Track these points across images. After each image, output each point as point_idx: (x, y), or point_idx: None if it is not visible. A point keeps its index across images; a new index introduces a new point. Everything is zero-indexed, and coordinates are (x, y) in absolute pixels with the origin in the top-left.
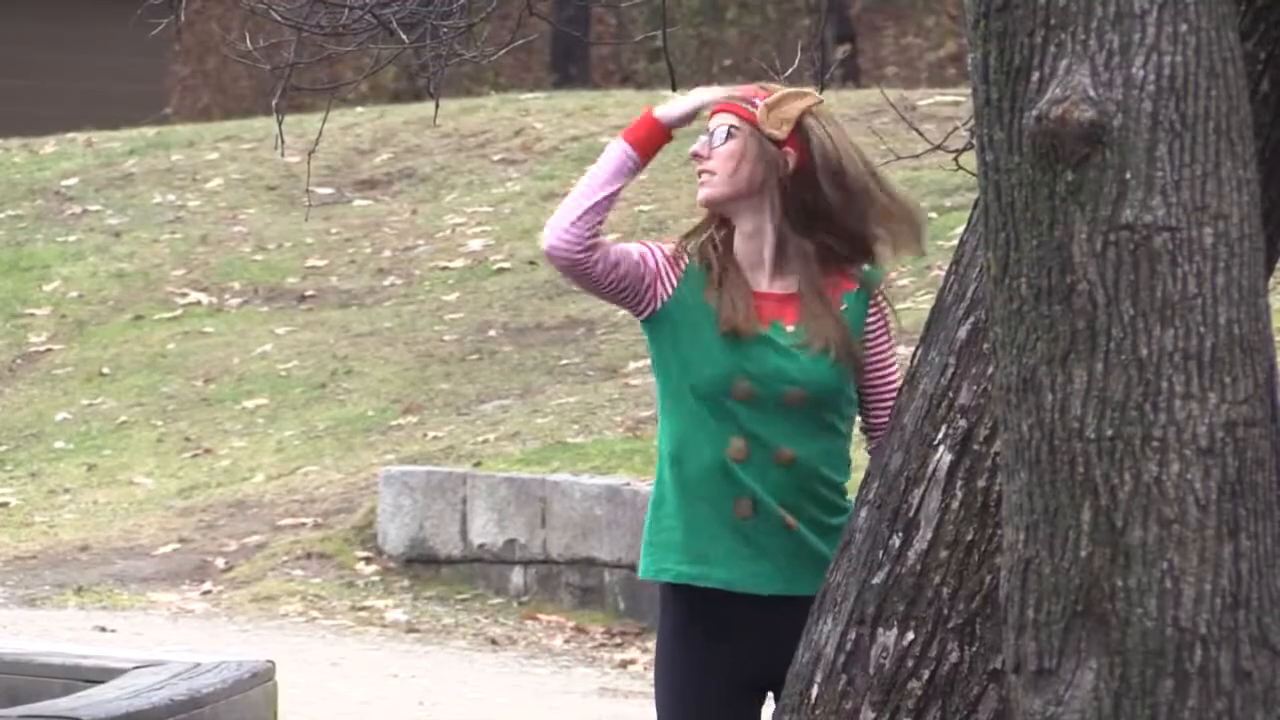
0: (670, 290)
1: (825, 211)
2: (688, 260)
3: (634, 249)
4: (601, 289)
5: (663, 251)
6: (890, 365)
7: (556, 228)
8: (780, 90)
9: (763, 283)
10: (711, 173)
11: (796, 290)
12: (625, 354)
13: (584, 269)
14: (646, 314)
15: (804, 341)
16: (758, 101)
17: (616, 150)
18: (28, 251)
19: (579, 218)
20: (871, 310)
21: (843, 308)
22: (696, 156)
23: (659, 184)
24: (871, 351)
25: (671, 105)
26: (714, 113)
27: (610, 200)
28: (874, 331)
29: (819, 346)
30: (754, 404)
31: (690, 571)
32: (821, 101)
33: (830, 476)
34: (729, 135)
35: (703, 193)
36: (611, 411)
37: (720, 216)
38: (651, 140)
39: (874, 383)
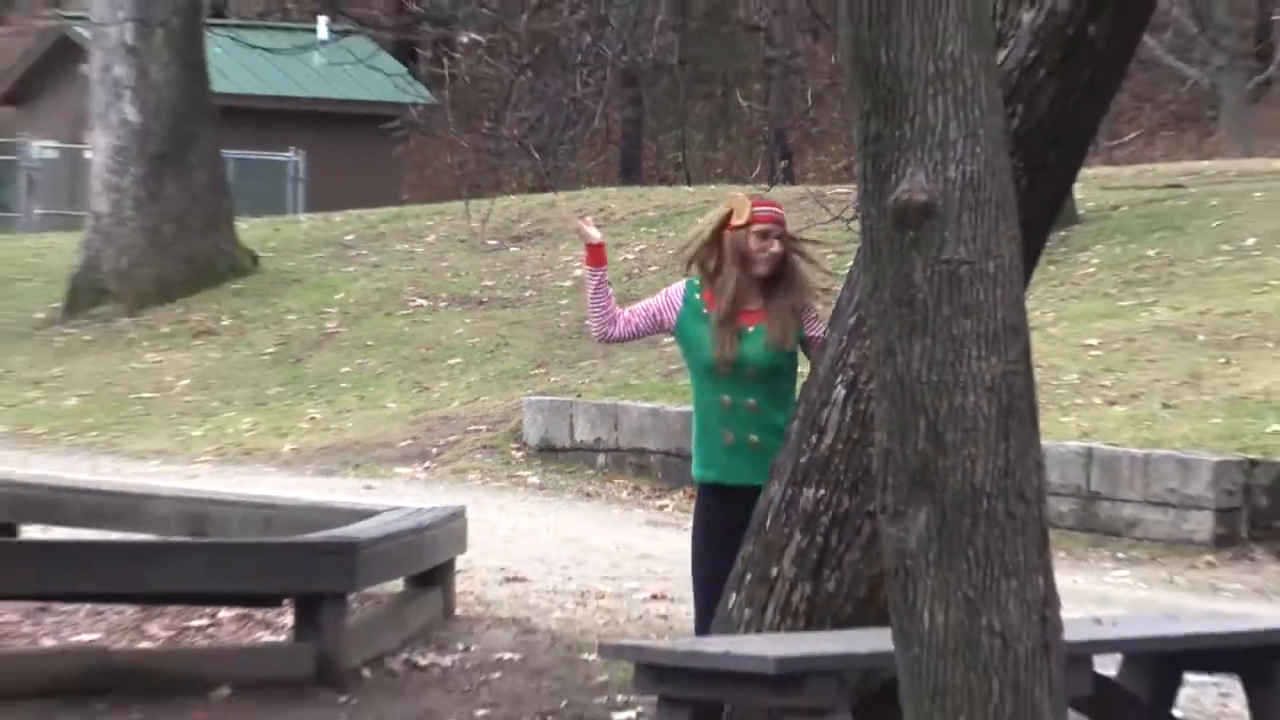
0: (677, 312)
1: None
2: (686, 284)
3: (653, 302)
4: (638, 339)
5: (670, 292)
6: (815, 334)
7: (590, 330)
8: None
9: (746, 303)
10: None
11: (761, 307)
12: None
13: (616, 340)
14: (671, 330)
15: (762, 339)
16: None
17: (586, 274)
18: (327, 278)
19: (591, 317)
20: (806, 315)
21: (789, 316)
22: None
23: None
24: (808, 330)
25: (588, 235)
26: (755, 220)
27: (599, 300)
28: (809, 323)
29: (767, 341)
30: (729, 376)
31: (703, 474)
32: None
33: (777, 417)
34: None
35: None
36: (655, 366)
37: (718, 261)
38: (595, 258)
39: (809, 340)
